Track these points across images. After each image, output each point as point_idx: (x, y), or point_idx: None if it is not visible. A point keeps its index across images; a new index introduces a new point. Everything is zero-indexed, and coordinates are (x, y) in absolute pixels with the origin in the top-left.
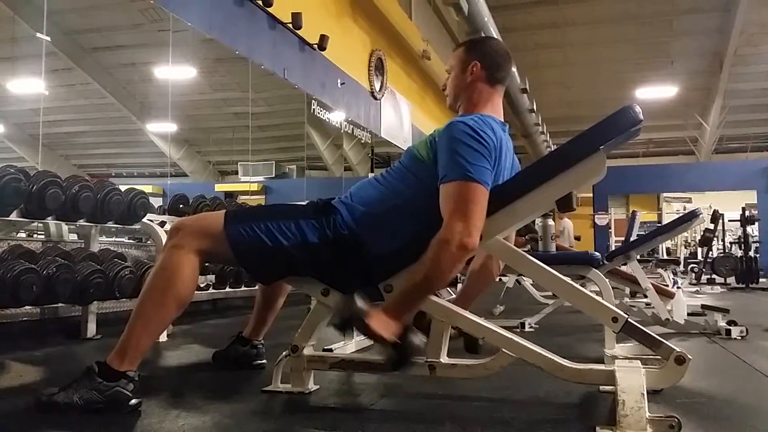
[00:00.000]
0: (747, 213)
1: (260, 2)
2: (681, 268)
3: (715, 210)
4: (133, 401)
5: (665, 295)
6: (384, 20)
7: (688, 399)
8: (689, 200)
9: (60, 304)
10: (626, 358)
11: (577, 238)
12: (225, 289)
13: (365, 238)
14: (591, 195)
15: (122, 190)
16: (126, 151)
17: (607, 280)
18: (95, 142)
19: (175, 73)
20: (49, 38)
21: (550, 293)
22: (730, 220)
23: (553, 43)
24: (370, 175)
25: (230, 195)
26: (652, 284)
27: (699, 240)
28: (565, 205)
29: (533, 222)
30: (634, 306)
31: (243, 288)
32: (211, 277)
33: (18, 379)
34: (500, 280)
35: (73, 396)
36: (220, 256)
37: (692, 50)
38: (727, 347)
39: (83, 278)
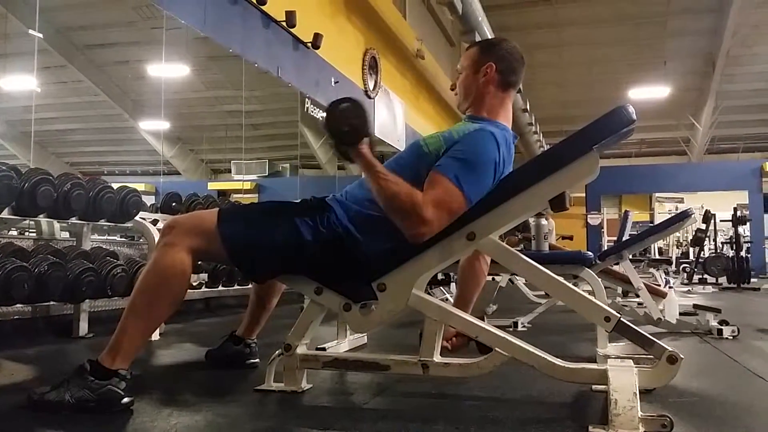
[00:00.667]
0: (738, 213)
1: (254, 0)
2: (673, 267)
3: (706, 210)
4: (125, 400)
5: (657, 294)
6: (378, 19)
7: (680, 398)
8: (681, 200)
9: (52, 303)
10: (618, 357)
11: (570, 238)
12: (218, 287)
13: (359, 237)
14: (584, 195)
15: (114, 188)
16: (118, 149)
17: (599, 279)
18: (87, 139)
19: (168, 71)
20: (41, 35)
21: (542, 292)
22: (721, 220)
23: (546, 43)
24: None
25: (223, 193)
26: (645, 284)
27: (691, 240)
28: (558, 204)
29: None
30: (626, 305)
31: (236, 287)
32: (204, 276)
33: (9, 378)
34: (493, 279)
35: (64, 394)
36: (213, 255)
37: (685, 51)
38: (718, 347)
39: (75, 276)
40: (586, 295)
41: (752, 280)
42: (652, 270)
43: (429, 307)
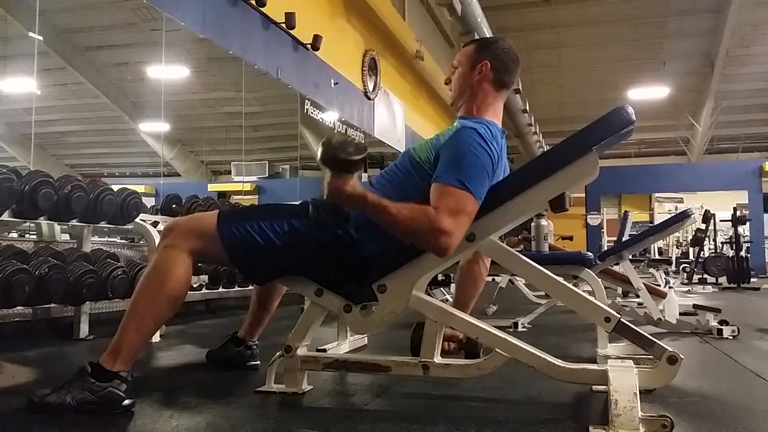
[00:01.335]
0: (738, 213)
1: (253, 2)
2: (673, 267)
3: (706, 210)
4: (126, 402)
5: (657, 294)
6: (377, 21)
7: (680, 398)
8: (681, 200)
9: (52, 305)
10: (619, 357)
11: (570, 238)
12: (218, 289)
13: (359, 239)
14: (583, 195)
15: (115, 189)
16: (118, 151)
17: (599, 280)
18: (87, 141)
19: (168, 72)
20: (41, 37)
21: (542, 293)
22: (721, 220)
23: (546, 43)
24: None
25: (223, 195)
26: (645, 284)
27: (691, 240)
28: (558, 205)
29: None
30: (626, 306)
31: (236, 288)
32: (204, 278)
33: (10, 380)
34: (493, 280)
35: (65, 397)
36: (213, 256)
37: (684, 51)
38: (718, 347)
39: (76, 278)
40: (586, 295)
41: (752, 279)
42: (652, 270)
43: (429, 308)
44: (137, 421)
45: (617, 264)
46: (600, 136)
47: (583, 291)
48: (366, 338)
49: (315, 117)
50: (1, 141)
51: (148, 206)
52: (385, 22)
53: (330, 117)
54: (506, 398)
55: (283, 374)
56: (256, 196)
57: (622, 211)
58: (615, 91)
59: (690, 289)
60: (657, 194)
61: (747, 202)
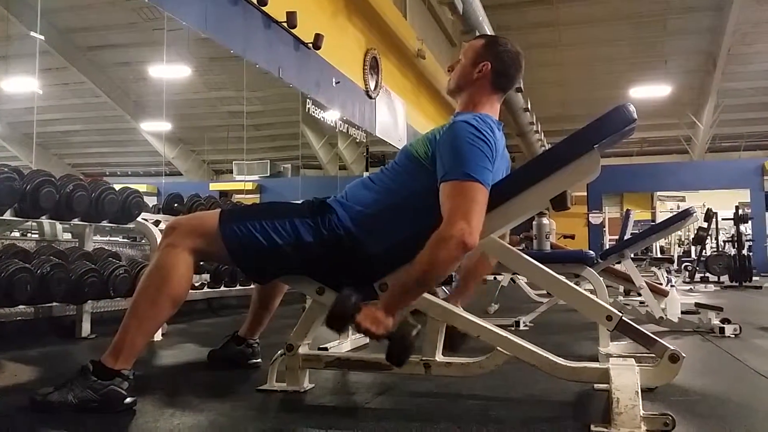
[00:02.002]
0: (740, 211)
1: (255, 1)
2: (675, 266)
3: (708, 208)
4: (128, 400)
5: (659, 293)
6: (379, 19)
7: (682, 397)
8: (683, 199)
9: (54, 304)
10: (620, 356)
11: (571, 237)
12: (220, 288)
13: (360, 238)
14: (585, 194)
15: (116, 189)
16: (120, 150)
17: (601, 278)
18: (89, 141)
19: (170, 72)
20: (43, 37)
21: (544, 292)
22: (723, 219)
23: (547, 42)
24: (365, 174)
25: (225, 194)
26: (646, 282)
27: (692, 238)
28: (559, 203)
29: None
30: (628, 304)
31: (238, 287)
32: (206, 276)
33: (12, 379)
34: (495, 278)
35: (67, 395)
36: (214, 255)
37: (686, 49)
38: (720, 345)
39: (77, 277)
40: (587, 294)
41: (754, 278)
42: (653, 269)
43: (431, 307)
44: (139, 420)
45: (619, 262)
46: (602, 134)
47: (585, 289)
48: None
49: (316, 116)
50: (4, 140)
51: (150, 205)
52: (386, 21)
53: (331, 116)
54: (508, 397)
55: (285, 373)
56: (258, 195)
57: (624, 210)
58: (617, 89)
59: (692, 287)
60: (659, 193)
61: (749, 200)
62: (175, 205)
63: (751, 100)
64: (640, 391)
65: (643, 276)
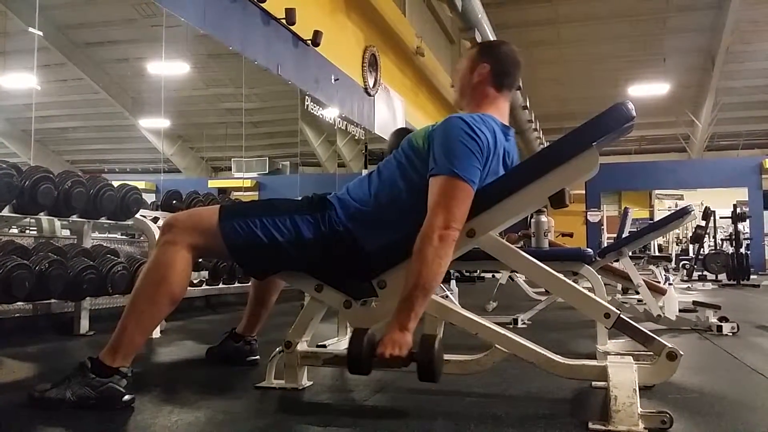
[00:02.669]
0: (738, 210)
1: None
2: (672, 264)
3: (706, 207)
4: (126, 397)
5: (657, 291)
6: (378, 16)
7: (679, 395)
8: (681, 197)
9: (52, 300)
10: (618, 354)
11: (570, 235)
12: (218, 285)
13: (360, 234)
14: (583, 192)
15: (115, 185)
16: (119, 147)
17: (599, 276)
18: (88, 137)
19: (168, 68)
20: (41, 33)
21: (542, 289)
22: (721, 217)
23: (546, 40)
24: (364, 171)
25: (223, 191)
26: (644, 281)
27: (690, 237)
28: (558, 201)
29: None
30: (626, 302)
31: (236, 284)
32: (205, 274)
33: (11, 375)
34: (493, 276)
35: (65, 392)
36: (213, 252)
37: (685, 48)
38: (718, 343)
39: (76, 274)
40: (586, 292)
41: (752, 276)
42: (651, 267)
43: (429, 304)
44: (137, 417)
45: (617, 261)
46: (600, 131)
47: (583, 287)
48: None
49: (315, 113)
50: (2, 137)
51: (149, 202)
52: (385, 18)
53: (330, 113)
54: (506, 394)
55: (283, 370)
56: (257, 193)
57: (622, 208)
58: (615, 87)
59: (689, 285)
60: (657, 191)
61: (747, 199)
62: (174, 202)
63: (750, 99)
64: (637, 388)
65: (641, 274)
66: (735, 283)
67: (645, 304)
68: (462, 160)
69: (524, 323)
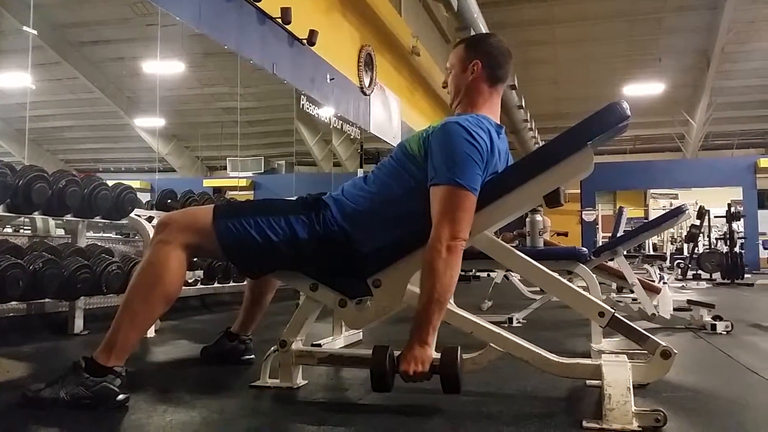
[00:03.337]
0: (733, 209)
1: None
2: (667, 263)
3: (701, 206)
4: (121, 396)
5: (651, 290)
6: (373, 16)
7: (673, 393)
8: (676, 196)
9: (47, 300)
10: (612, 352)
11: (565, 234)
12: (213, 284)
13: (354, 235)
14: (578, 191)
15: (110, 185)
16: (113, 146)
17: (594, 275)
18: (82, 136)
19: (164, 67)
20: (36, 32)
21: (537, 288)
22: (715, 216)
23: (542, 39)
24: (360, 171)
25: (219, 190)
26: (639, 280)
27: (685, 236)
28: (553, 200)
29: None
30: (620, 301)
31: (231, 283)
32: (200, 273)
33: (4, 375)
34: (488, 275)
35: (59, 391)
36: (207, 251)
37: (680, 48)
38: (712, 342)
39: (70, 273)
40: (580, 290)
41: (746, 275)
42: (646, 266)
43: None
44: (131, 416)
45: (612, 259)
46: (595, 131)
47: (578, 286)
48: (361, 333)
49: (311, 112)
50: None
51: (143, 201)
52: (381, 18)
53: (326, 112)
54: (500, 392)
55: (278, 369)
56: (252, 192)
57: (617, 207)
58: (611, 87)
59: (684, 284)
60: (652, 190)
61: (741, 198)
62: (169, 201)
63: (745, 99)
64: (632, 387)
65: (635, 273)
66: (729, 282)
67: (639, 302)
68: (463, 169)
69: (519, 322)
